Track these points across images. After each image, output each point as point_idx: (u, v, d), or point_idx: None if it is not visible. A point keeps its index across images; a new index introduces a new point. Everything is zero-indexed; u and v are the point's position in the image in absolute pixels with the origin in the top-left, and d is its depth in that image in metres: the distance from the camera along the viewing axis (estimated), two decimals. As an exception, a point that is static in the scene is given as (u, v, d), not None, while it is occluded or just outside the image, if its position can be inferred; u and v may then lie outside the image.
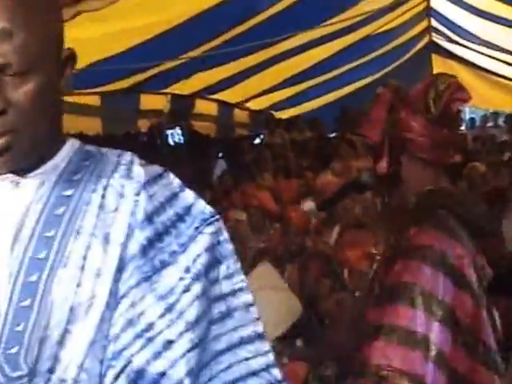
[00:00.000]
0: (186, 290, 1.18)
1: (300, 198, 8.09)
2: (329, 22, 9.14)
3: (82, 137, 9.07)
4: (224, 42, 8.35)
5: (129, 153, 1.29)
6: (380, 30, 11.25)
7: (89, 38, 6.55)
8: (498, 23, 10.98)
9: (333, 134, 12.23)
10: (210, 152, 11.37)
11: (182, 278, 1.18)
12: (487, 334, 2.05)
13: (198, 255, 1.20)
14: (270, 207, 6.98)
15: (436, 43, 14.24)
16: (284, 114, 13.53)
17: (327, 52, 11.02)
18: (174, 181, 1.27)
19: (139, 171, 1.24)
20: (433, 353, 1.91)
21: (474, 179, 8.44)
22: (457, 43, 13.54)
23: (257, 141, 12.99)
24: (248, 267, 5.43)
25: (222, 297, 1.24)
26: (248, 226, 6.73)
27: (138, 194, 1.20)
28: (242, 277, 1.29)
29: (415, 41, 13.74)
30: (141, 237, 1.18)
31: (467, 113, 15.92)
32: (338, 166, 9.30)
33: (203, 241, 1.22)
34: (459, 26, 12.49)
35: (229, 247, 1.28)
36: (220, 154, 11.85)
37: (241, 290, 1.27)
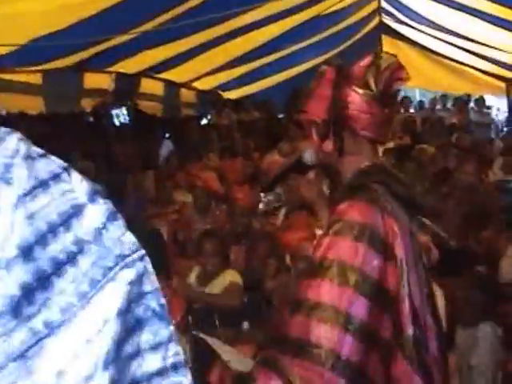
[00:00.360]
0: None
1: (246, 178, 8.12)
2: None
3: (23, 116, 8.95)
4: (170, 18, 8.27)
5: (14, 136, 0.82)
6: (330, 10, 11.28)
7: (30, 12, 6.41)
8: (448, 6, 11.09)
9: (282, 115, 12.24)
10: (155, 132, 11.30)
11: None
12: (404, 313, 2.08)
13: (106, 321, 0.79)
14: (216, 188, 6.96)
15: (386, 24, 14.35)
16: (232, 95, 13.49)
17: (276, 31, 11.01)
18: (79, 186, 0.83)
19: (20, 173, 0.79)
20: (352, 326, 1.94)
21: (423, 160, 8.58)
22: (407, 25, 13.66)
23: (204, 121, 12.95)
24: (193, 249, 5.43)
25: (146, 379, 0.85)
26: (194, 207, 6.71)
27: (12, 211, 0.76)
28: (177, 348, 0.89)
29: (365, 21, 13.81)
30: (11, 285, 0.75)
31: (417, 95, 16.11)
32: (285, 146, 9.32)
33: (116, 294, 0.80)
34: (409, 8, 12.58)
35: (157, 302, 0.86)
36: (166, 135, 11.79)
37: (175, 367, 0.88)
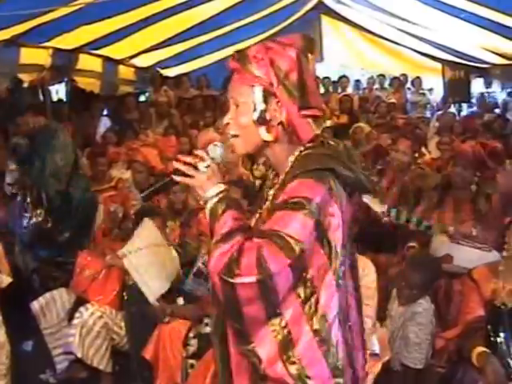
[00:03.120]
0: None
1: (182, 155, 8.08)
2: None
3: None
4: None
5: None
6: (269, -12, 11.31)
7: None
8: (385, -13, 11.20)
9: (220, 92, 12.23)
10: (93, 109, 11.18)
11: None
12: (331, 305, 2.15)
13: None
14: (155, 163, 6.93)
15: (325, 4, 14.38)
16: (171, 72, 13.42)
17: (215, 9, 10.96)
18: None
19: None
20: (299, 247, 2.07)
21: (359, 139, 8.70)
22: (346, 5, 13.72)
23: (142, 98, 12.86)
24: (132, 224, 5.41)
25: None
26: (132, 182, 6.67)
27: None
28: None
29: (304, 1, 13.84)
30: None
31: (354, 75, 16.23)
32: (222, 123, 9.32)
33: None
34: (349, -12, 12.69)
35: None
36: (104, 112, 11.67)
37: None
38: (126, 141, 9.00)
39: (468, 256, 5.15)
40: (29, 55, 9.20)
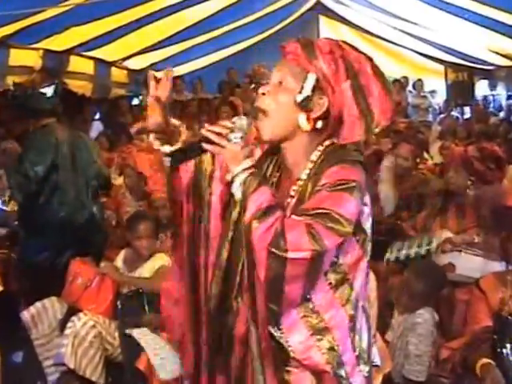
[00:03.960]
0: None
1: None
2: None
3: None
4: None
5: None
6: (265, -12, 11.35)
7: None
8: (386, -14, 11.24)
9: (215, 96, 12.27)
10: (85, 113, 11.19)
11: None
12: (363, 293, 2.23)
13: None
14: (144, 170, 6.93)
15: (323, 4, 14.43)
16: (165, 74, 13.41)
17: (210, 10, 10.99)
18: None
19: None
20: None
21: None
22: (344, 5, 13.76)
23: (135, 101, 12.88)
24: (125, 232, 5.41)
25: None
26: (126, 189, 6.69)
27: None
28: None
29: (302, 1, 13.88)
30: None
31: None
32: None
33: None
34: (348, -12, 12.74)
35: None
36: (96, 115, 11.69)
37: None
38: (119, 145, 9.02)
39: (471, 264, 5.17)
40: (18, 57, 9.23)
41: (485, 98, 14.83)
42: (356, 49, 2.33)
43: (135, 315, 4.91)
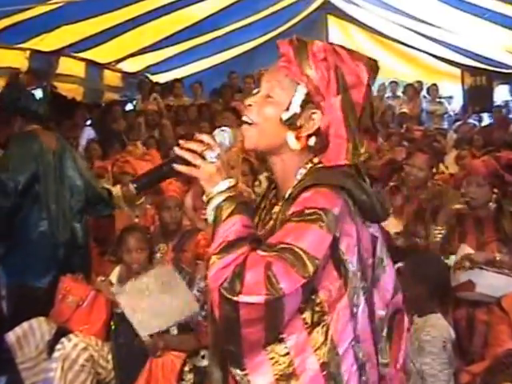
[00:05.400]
0: None
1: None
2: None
3: None
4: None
5: None
6: (270, -13, 11.39)
7: None
8: (399, -16, 11.26)
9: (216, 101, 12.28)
10: (75, 118, 11.20)
11: None
12: (344, 336, 2.14)
13: None
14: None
15: (332, 3, 14.46)
16: (161, 78, 13.46)
17: (211, 9, 11.02)
18: None
19: None
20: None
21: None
22: (355, 4, 13.79)
23: (129, 106, 12.89)
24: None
25: None
26: (121, 198, 6.68)
27: None
28: None
29: (309, 0, 13.91)
30: None
31: (364, 81, 16.27)
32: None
33: None
34: (358, -15, 12.77)
35: None
36: (87, 121, 11.70)
37: None
38: (112, 153, 9.01)
39: (493, 282, 5.14)
40: (3, 57, 9.26)
41: (506, 103, 14.81)
42: (359, 56, 2.24)
43: (130, 336, 4.89)
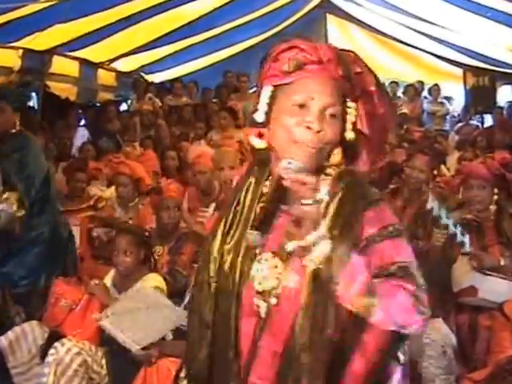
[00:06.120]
0: None
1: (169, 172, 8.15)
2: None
3: None
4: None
5: None
6: (268, -16, 11.39)
7: None
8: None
9: (213, 101, 12.30)
10: (69, 119, 11.21)
11: None
12: None
13: None
14: (143, 176, 6.91)
15: (331, 1, 14.47)
16: (156, 78, 13.47)
17: (207, 7, 11.03)
18: None
19: None
20: None
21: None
22: (354, 2, 13.80)
23: (124, 106, 12.90)
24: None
25: None
26: (115, 200, 6.69)
27: None
28: None
29: (308, -2, 13.94)
30: None
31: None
32: (216, 136, 9.38)
33: None
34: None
35: None
36: (81, 122, 11.70)
37: None
38: (106, 154, 9.01)
39: (496, 288, 5.14)
40: (-5, 56, 9.27)
41: (509, 104, 14.81)
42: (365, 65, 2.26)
43: (124, 341, 4.90)
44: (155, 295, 4.91)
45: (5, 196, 5.60)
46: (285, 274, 2.14)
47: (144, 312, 4.85)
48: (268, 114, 2.18)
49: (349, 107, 2.16)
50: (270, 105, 2.18)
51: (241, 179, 2.36)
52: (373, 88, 2.21)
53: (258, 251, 2.21)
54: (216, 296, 2.26)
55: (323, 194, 2.10)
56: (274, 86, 2.17)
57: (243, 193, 2.32)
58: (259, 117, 2.20)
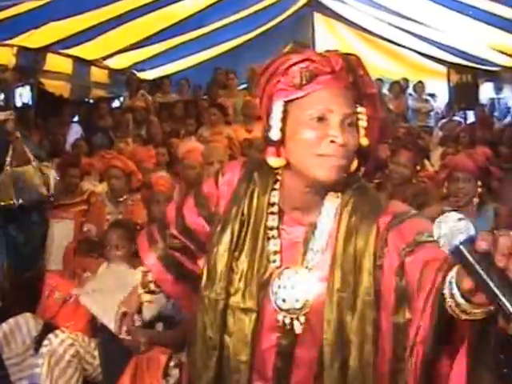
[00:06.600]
0: None
1: (160, 166, 8.15)
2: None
3: None
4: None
5: None
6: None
7: None
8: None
9: (203, 98, 12.30)
10: (63, 115, 11.19)
11: None
12: None
13: None
14: (135, 170, 6.92)
15: (319, 1, 14.47)
16: (148, 75, 13.45)
17: (197, 6, 11.03)
18: None
19: None
20: None
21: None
22: (341, 2, 13.81)
23: (116, 103, 12.88)
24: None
25: None
26: (105, 196, 6.69)
27: None
28: None
29: (296, -2, 13.94)
30: None
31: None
32: (206, 132, 9.38)
33: None
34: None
35: None
36: (74, 118, 11.68)
37: None
38: (99, 150, 9.00)
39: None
40: (-10, 54, 9.25)
41: (491, 101, 14.86)
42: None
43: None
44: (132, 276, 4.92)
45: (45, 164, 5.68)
46: (308, 289, 2.10)
47: (119, 292, 4.87)
48: (282, 130, 2.08)
49: (359, 113, 2.10)
50: (284, 120, 2.08)
51: (237, 187, 2.27)
52: (374, 91, 2.18)
53: (276, 265, 2.16)
54: (224, 313, 2.19)
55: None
56: (285, 101, 2.07)
57: (246, 202, 2.24)
58: (274, 135, 2.08)
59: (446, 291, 1.65)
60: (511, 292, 1.42)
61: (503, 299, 1.42)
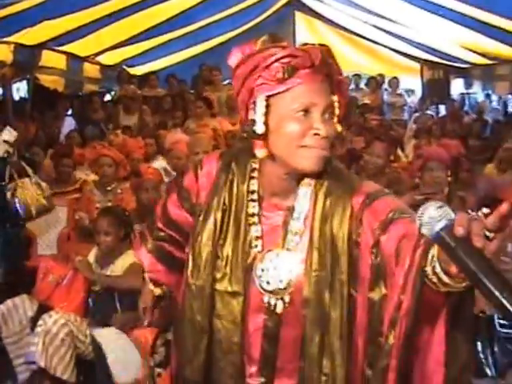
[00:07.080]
0: None
1: (149, 157, 8.18)
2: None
3: None
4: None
5: None
6: (239, -17, 11.38)
7: None
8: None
9: (190, 91, 12.32)
10: (57, 109, 11.18)
11: None
12: None
13: None
14: (123, 160, 6.94)
15: (299, 0, 14.49)
16: (138, 70, 13.43)
17: (185, 4, 11.01)
18: None
19: None
20: None
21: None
22: (321, 1, 13.82)
23: (107, 97, 12.87)
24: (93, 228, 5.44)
25: None
26: (93, 186, 6.72)
27: None
28: None
29: (277, -3, 13.95)
30: None
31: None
32: (192, 124, 9.42)
33: None
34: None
35: None
36: (68, 111, 11.67)
37: None
38: (91, 141, 9.01)
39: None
40: (-12, 51, 9.21)
41: (462, 96, 14.95)
42: None
43: (106, 313, 4.95)
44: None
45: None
46: (291, 269, 2.11)
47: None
48: (266, 123, 2.05)
49: (334, 101, 2.08)
50: (266, 114, 2.05)
51: (216, 178, 2.26)
52: (342, 77, 2.15)
53: (258, 249, 2.16)
54: (211, 298, 2.19)
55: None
56: (267, 96, 2.04)
57: (226, 192, 2.24)
58: (259, 129, 2.04)
59: (429, 269, 1.71)
60: (491, 272, 1.47)
61: (484, 280, 1.46)
